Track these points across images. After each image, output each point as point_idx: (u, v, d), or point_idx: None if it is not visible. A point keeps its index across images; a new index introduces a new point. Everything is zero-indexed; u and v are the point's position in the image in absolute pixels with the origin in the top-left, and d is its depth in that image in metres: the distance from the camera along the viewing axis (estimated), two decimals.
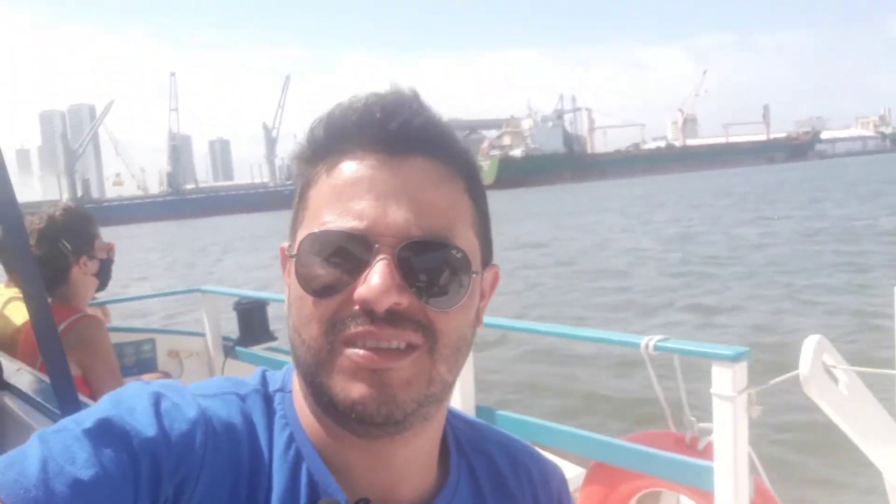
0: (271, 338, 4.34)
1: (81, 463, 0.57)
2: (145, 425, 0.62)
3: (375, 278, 0.63)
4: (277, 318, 4.48)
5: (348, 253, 0.65)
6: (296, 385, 0.73)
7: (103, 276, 2.71)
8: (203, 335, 4.57)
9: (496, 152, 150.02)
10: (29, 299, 1.61)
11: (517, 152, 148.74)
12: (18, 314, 2.72)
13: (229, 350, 4.34)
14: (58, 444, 0.58)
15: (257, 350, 4.24)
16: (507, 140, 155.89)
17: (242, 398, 0.71)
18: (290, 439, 0.70)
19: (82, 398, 1.63)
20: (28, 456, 0.58)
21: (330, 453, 0.70)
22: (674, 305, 11.57)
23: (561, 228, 30.21)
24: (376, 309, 0.63)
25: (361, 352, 0.64)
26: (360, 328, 0.64)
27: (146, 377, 3.43)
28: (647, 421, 4.98)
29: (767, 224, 24.48)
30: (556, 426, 2.73)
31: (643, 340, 2.37)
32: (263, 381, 0.75)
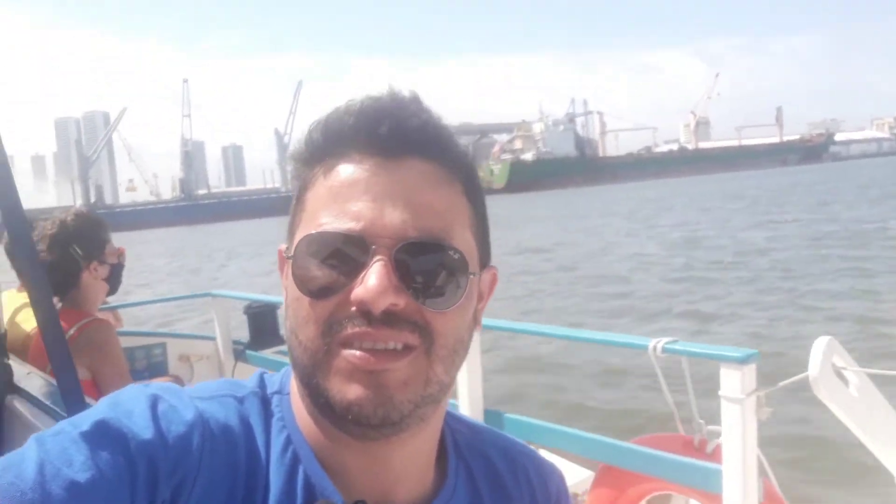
0: (282, 341, 4.35)
1: (78, 465, 0.57)
2: (142, 428, 0.62)
3: (372, 279, 0.63)
4: None
5: (345, 254, 0.65)
6: (293, 387, 0.73)
7: (113, 280, 2.74)
8: (214, 339, 4.59)
9: (507, 156, 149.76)
10: (36, 304, 1.62)
11: (528, 156, 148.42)
12: (30, 319, 2.75)
13: (240, 354, 4.36)
14: (55, 447, 0.59)
15: (268, 354, 4.25)
16: (518, 144, 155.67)
17: (240, 400, 0.71)
18: (288, 441, 0.70)
19: (90, 402, 1.64)
20: (25, 459, 0.58)
21: (327, 455, 0.70)
22: (672, 311, 11.49)
23: (567, 232, 30.13)
24: (373, 310, 0.63)
25: (358, 353, 0.64)
26: (357, 329, 0.64)
27: (157, 381, 3.45)
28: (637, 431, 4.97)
29: (775, 228, 24.30)
30: (565, 429, 2.73)
31: (651, 343, 2.36)
32: (261, 383, 0.75)
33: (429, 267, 0.66)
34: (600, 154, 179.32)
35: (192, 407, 0.66)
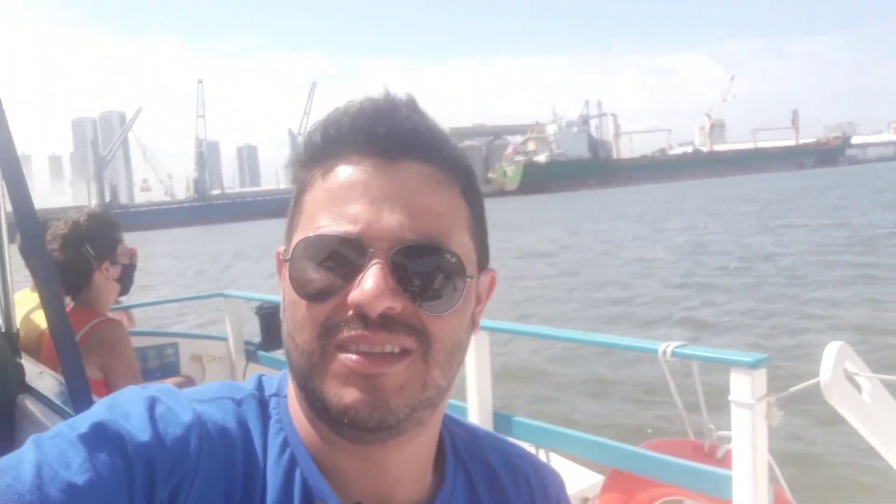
0: None
1: (76, 468, 0.57)
2: (140, 430, 0.62)
3: (369, 282, 0.63)
4: None
5: (342, 257, 0.65)
6: (291, 390, 0.73)
7: (125, 281, 2.75)
8: (225, 339, 4.61)
9: (520, 158, 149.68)
10: (46, 304, 1.63)
11: (541, 158, 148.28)
12: (44, 318, 2.77)
13: (251, 354, 4.38)
14: (53, 449, 0.59)
15: (279, 355, 4.26)
16: (531, 145, 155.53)
17: (238, 403, 0.71)
18: (285, 443, 0.70)
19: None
20: (23, 461, 0.58)
21: (324, 458, 0.70)
22: (671, 318, 11.32)
23: (574, 235, 30.02)
24: (370, 313, 0.63)
25: (354, 356, 0.64)
26: (354, 333, 0.64)
27: (168, 381, 3.47)
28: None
29: (783, 232, 24.04)
30: (575, 433, 2.72)
31: (661, 346, 2.35)
32: (259, 385, 0.75)
33: (426, 270, 0.66)
34: (614, 156, 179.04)
35: (189, 409, 0.66)
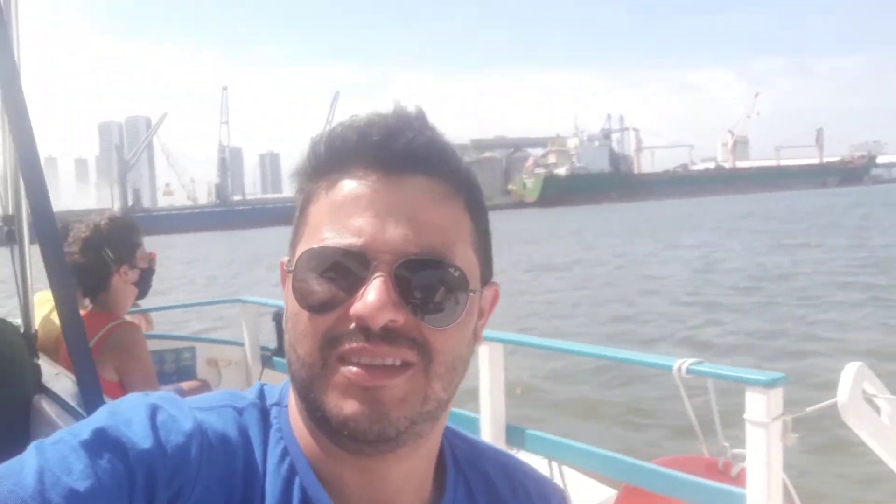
0: None
1: (78, 474, 0.58)
2: (141, 437, 0.62)
3: (372, 295, 0.63)
4: None
5: (345, 269, 0.65)
6: (292, 400, 0.73)
7: (143, 285, 2.78)
8: (242, 344, 4.64)
9: (541, 170, 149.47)
10: (60, 306, 1.66)
11: (562, 171, 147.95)
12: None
13: (267, 360, 4.39)
14: (55, 455, 0.59)
15: None
16: (552, 158, 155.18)
17: (239, 411, 0.72)
18: (285, 453, 0.70)
19: None
20: (25, 466, 0.58)
21: (324, 468, 0.70)
22: (673, 338, 11.09)
23: (587, 250, 29.76)
24: (372, 325, 0.63)
25: (355, 369, 0.64)
26: (355, 345, 0.64)
27: (185, 385, 3.49)
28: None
29: (798, 252, 23.67)
30: (588, 447, 2.70)
31: (676, 363, 2.33)
32: (261, 394, 0.75)
33: (429, 283, 0.66)
34: (636, 171, 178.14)
35: (190, 417, 0.67)
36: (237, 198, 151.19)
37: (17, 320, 2.26)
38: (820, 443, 5.27)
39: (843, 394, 2.03)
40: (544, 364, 8.52)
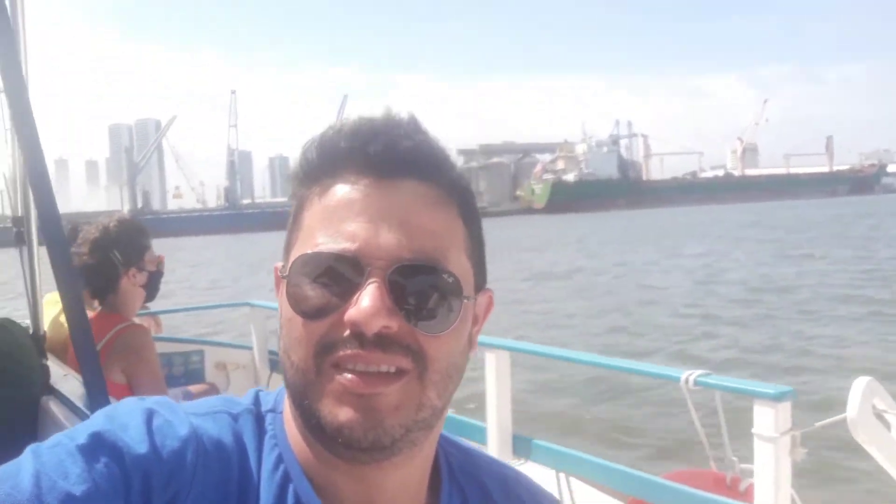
0: None
1: (74, 478, 0.58)
2: (137, 441, 0.62)
3: (366, 301, 0.63)
4: None
5: (339, 275, 0.65)
6: (287, 406, 0.73)
7: (151, 288, 2.78)
8: (250, 348, 4.65)
9: (549, 176, 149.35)
10: (67, 308, 1.66)
11: (570, 177, 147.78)
12: None
13: (275, 364, 4.40)
14: (51, 459, 0.59)
15: None
16: (560, 164, 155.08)
17: (234, 417, 0.71)
18: (279, 460, 0.70)
19: None
20: (21, 470, 0.58)
21: (318, 475, 0.70)
22: (664, 351, 10.89)
23: (591, 257, 29.58)
24: (366, 332, 0.63)
25: (349, 376, 0.64)
26: (349, 351, 0.64)
27: (193, 388, 3.50)
28: None
29: (803, 262, 23.44)
30: (596, 460, 2.69)
31: (683, 375, 2.32)
32: (256, 401, 0.75)
33: (423, 290, 0.66)
34: (644, 177, 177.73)
35: (186, 422, 0.67)
36: (246, 201, 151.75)
37: (27, 321, 2.26)
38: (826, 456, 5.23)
39: (853, 409, 2.01)
40: (534, 376, 8.42)
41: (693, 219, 69.13)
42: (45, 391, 2.02)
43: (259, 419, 0.73)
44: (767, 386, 2.11)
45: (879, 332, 11.53)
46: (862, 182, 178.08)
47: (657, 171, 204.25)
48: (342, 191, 0.68)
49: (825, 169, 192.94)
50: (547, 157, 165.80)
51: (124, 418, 0.65)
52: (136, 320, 2.86)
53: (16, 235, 2.19)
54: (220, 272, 31.82)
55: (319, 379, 0.65)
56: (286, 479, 0.69)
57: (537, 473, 2.71)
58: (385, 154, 0.68)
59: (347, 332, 0.64)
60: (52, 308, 2.75)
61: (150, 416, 0.66)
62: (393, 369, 0.65)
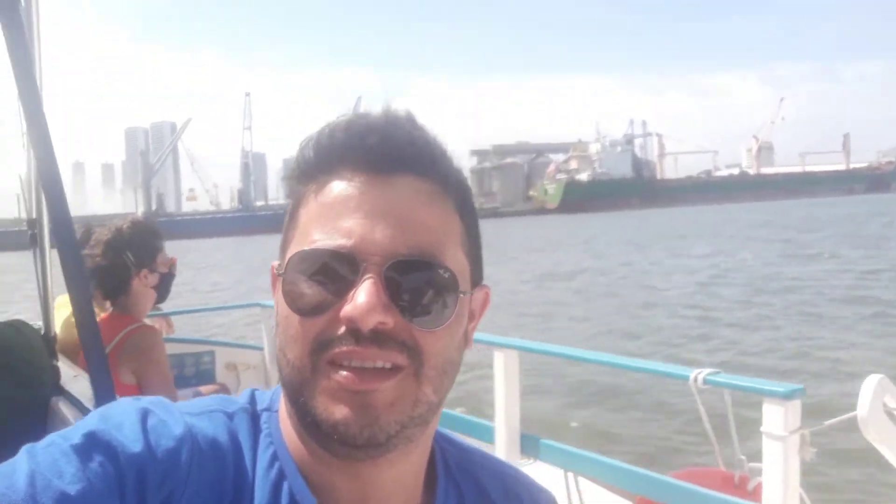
0: None
1: (69, 478, 0.58)
2: (132, 441, 0.63)
3: (362, 297, 0.63)
4: None
5: (335, 272, 0.65)
6: (282, 404, 0.73)
7: (162, 289, 2.80)
8: (261, 349, 4.67)
9: (562, 176, 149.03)
10: (76, 309, 1.68)
11: (584, 176, 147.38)
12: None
13: None
14: (46, 459, 0.60)
15: None
16: (573, 164, 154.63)
17: (230, 416, 0.72)
18: (274, 457, 0.70)
19: None
20: (16, 470, 0.59)
21: (313, 473, 0.70)
22: (660, 354, 10.75)
23: (598, 258, 29.39)
24: (362, 328, 0.63)
25: (345, 373, 0.64)
26: (345, 348, 0.64)
27: (204, 389, 3.52)
28: None
29: (811, 262, 23.21)
30: (604, 459, 2.68)
31: (692, 373, 2.31)
32: (252, 399, 0.75)
33: (419, 285, 0.66)
34: (658, 177, 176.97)
35: (181, 422, 0.67)
36: (260, 203, 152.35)
37: (38, 322, 2.29)
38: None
39: (863, 407, 1.99)
40: (527, 380, 8.39)
41: (706, 218, 68.69)
42: (56, 392, 2.03)
43: (254, 418, 0.73)
44: (777, 384, 2.10)
45: (880, 333, 11.42)
46: (879, 180, 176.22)
47: (671, 170, 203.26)
48: (338, 187, 0.68)
49: (842, 167, 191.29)
50: (560, 157, 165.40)
51: (119, 418, 0.65)
52: (148, 321, 2.88)
53: (30, 238, 2.22)
54: (224, 274, 31.81)
55: (315, 376, 0.65)
56: (281, 477, 0.69)
57: (545, 473, 2.71)
58: (380, 149, 0.68)
59: (343, 329, 0.64)
60: (63, 310, 2.78)
61: (144, 415, 0.66)
62: (388, 365, 0.65)
